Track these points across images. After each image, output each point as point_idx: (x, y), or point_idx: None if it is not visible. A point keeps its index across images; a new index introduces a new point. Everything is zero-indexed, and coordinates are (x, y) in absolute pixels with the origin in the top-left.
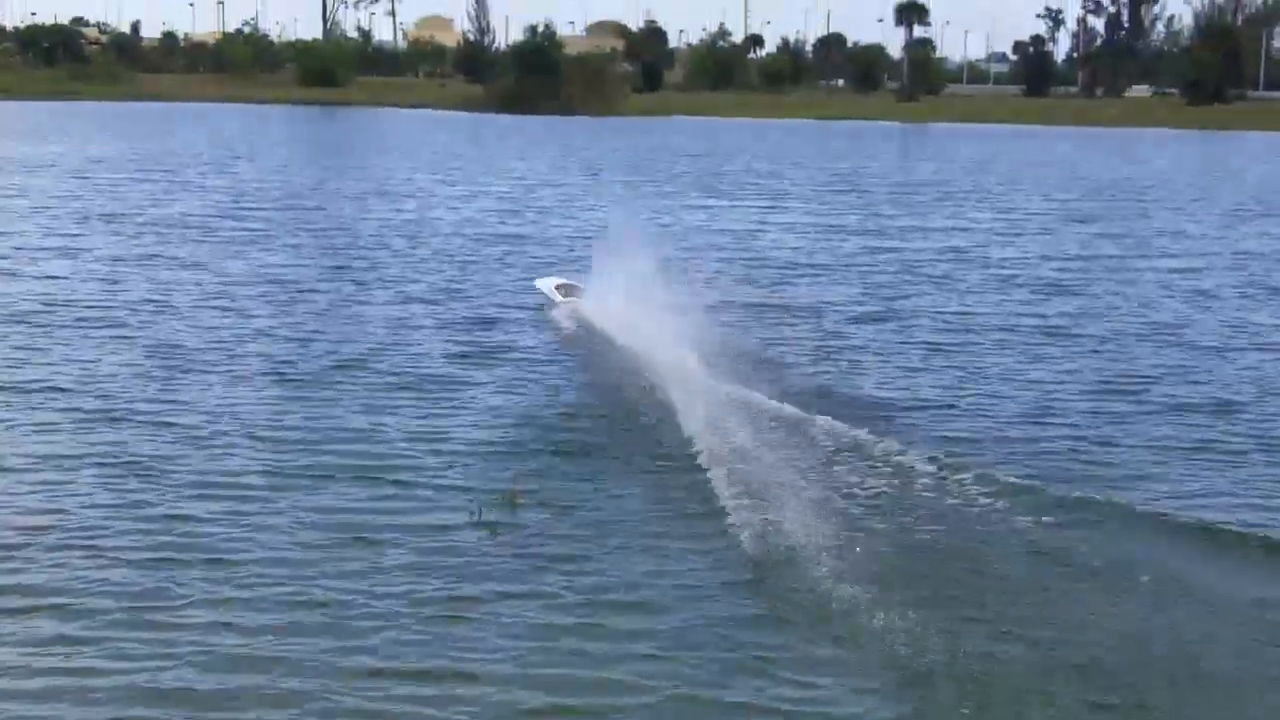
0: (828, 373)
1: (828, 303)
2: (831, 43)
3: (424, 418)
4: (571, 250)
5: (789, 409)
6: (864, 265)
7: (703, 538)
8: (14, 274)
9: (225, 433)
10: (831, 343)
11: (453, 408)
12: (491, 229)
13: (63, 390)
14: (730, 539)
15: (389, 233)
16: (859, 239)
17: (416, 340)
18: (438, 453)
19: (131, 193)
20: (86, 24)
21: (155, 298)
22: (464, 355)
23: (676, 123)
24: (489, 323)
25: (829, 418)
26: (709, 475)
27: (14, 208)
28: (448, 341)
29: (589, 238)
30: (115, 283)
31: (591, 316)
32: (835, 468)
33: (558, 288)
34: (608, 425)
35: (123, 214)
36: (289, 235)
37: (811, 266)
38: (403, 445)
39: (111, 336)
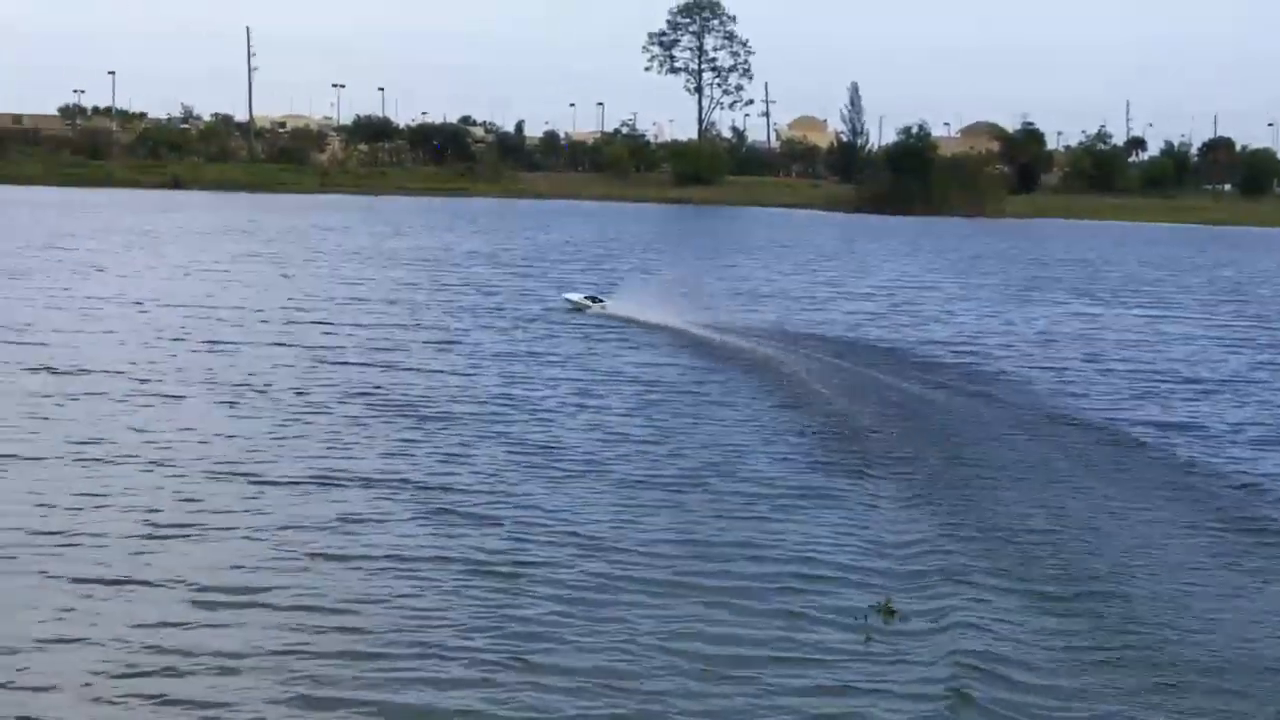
0: None
1: (1227, 423)
2: (1218, 146)
3: (792, 525)
4: (938, 355)
5: None
6: (1261, 381)
7: None
8: (392, 365)
9: (581, 537)
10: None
11: (819, 513)
12: (859, 331)
13: (417, 484)
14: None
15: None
16: (1251, 353)
17: (777, 451)
18: (806, 561)
19: (504, 285)
20: (474, 123)
21: (517, 393)
22: (827, 465)
23: (1053, 225)
24: (854, 434)
25: None
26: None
27: (400, 298)
28: (806, 453)
29: (965, 342)
30: (483, 376)
31: None
32: None
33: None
34: (985, 542)
35: (492, 308)
36: (651, 338)
37: (1197, 381)
38: (771, 553)
39: (477, 434)
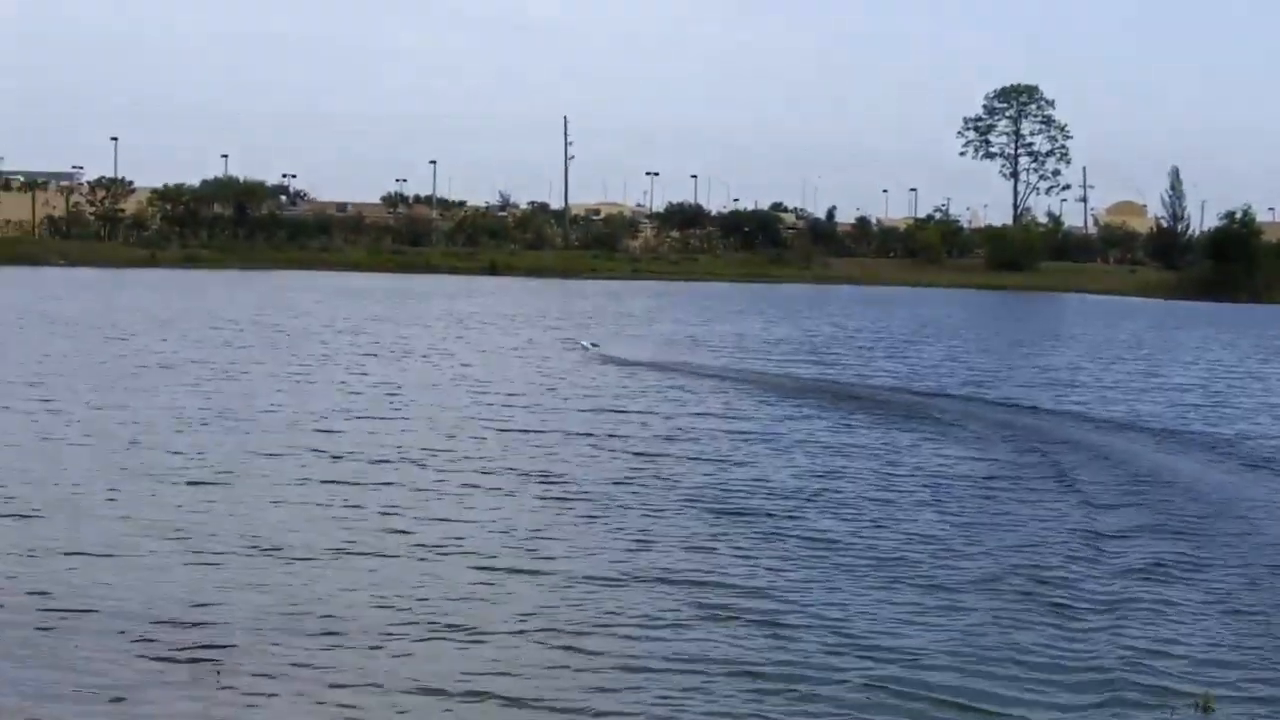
0: None
1: None
2: None
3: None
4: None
5: None
6: None
7: None
8: (695, 456)
9: (863, 645)
10: None
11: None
12: (1170, 423)
13: (704, 583)
14: None
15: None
16: None
17: (1106, 556)
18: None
19: (803, 371)
20: (784, 209)
21: (814, 484)
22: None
23: None
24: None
25: None
26: None
27: (694, 386)
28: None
29: None
30: (781, 466)
31: None
32: None
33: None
34: None
35: (803, 391)
36: (958, 426)
37: None
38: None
39: (765, 531)
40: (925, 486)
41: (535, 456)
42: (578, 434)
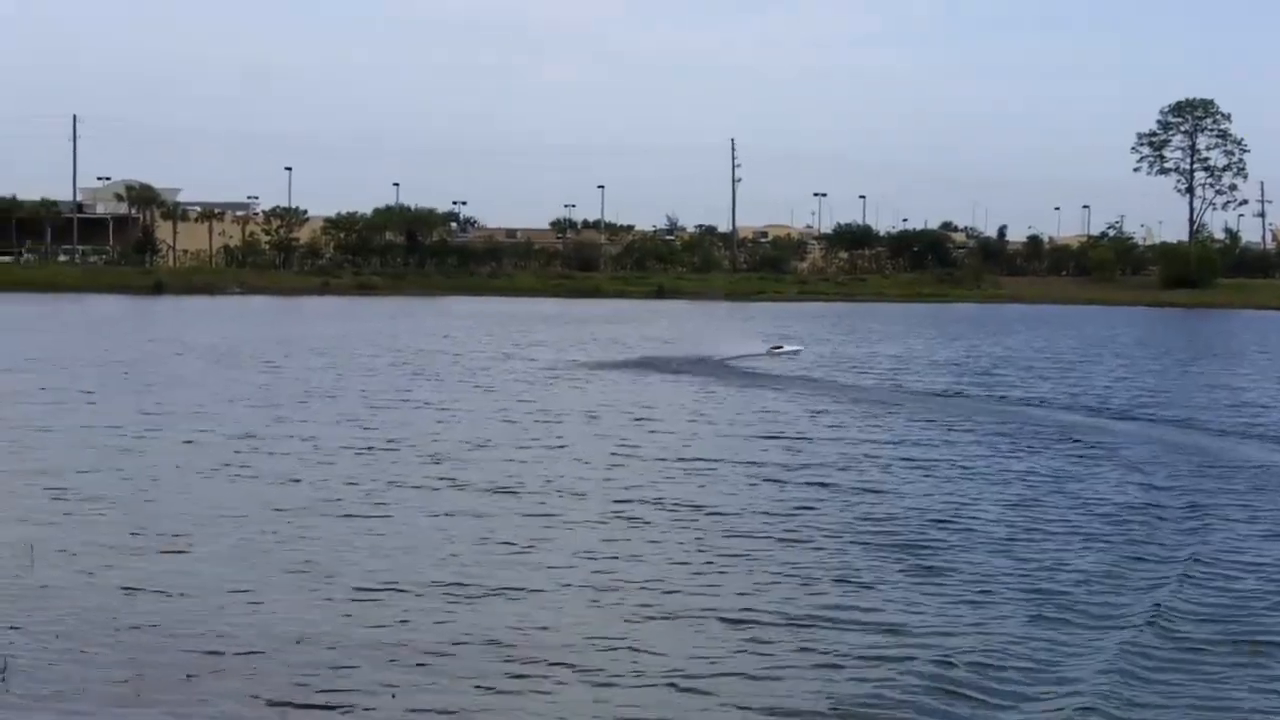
0: None
1: None
2: None
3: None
4: None
5: None
6: None
7: None
8: (837, 485)
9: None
10: None
11: None
12: None
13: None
14: None
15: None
16: None
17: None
18: None
19: (973, 393)
20: (955, 229)
21: (950, 514)
22: None
23: None
24: None
25: None
26: None
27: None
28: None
29: None
30: (924, 483)
31: None
32: None
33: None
34: None
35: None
36: (1109, 459)
37: None
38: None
39: (908, 562)
40: (1075, 510)
41: (689, 486)
42: (739, 463)
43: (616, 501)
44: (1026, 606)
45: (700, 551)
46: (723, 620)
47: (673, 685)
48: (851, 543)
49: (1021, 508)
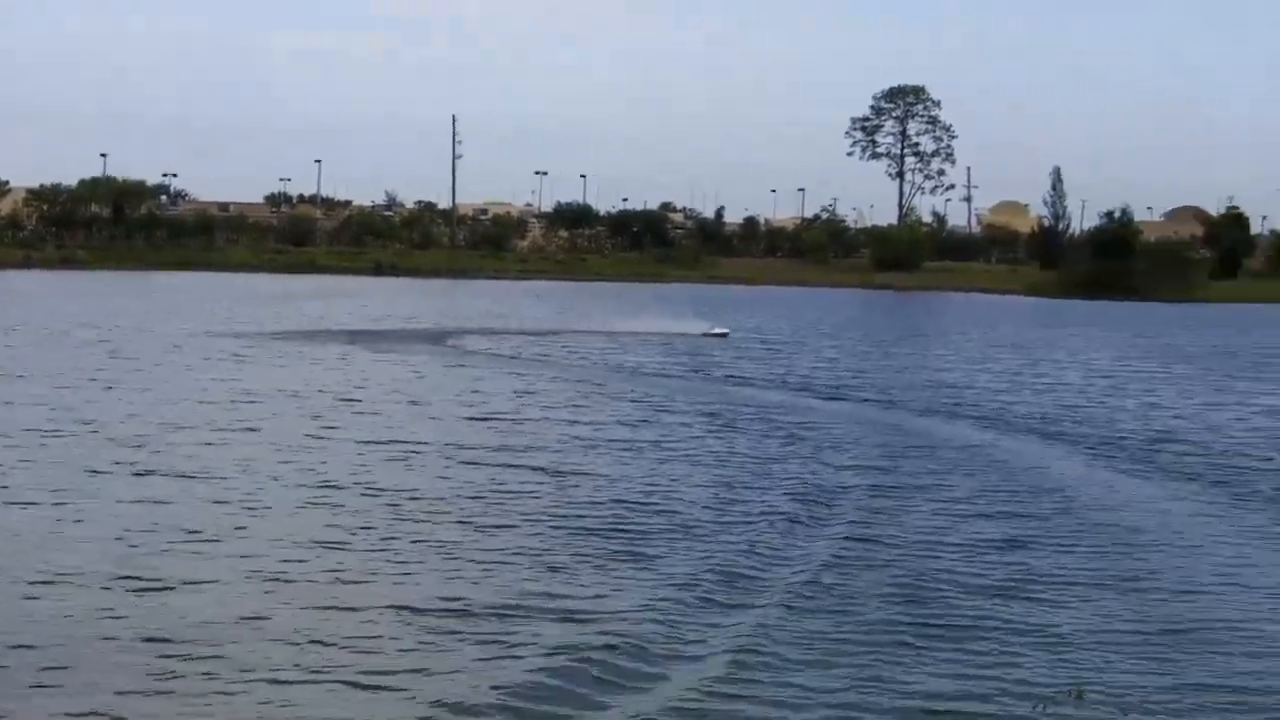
0: None
1: None
2: None
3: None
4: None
5: None
6: None
7: None
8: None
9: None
10: None
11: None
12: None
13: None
14: None
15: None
16: None
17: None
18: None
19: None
20: (673, 210)
21: (648, 496)
22: None
23: (1255, 310)
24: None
25: None
26: None
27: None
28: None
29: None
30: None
31: None
32: None
33: None
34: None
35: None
36: (811, 440)
37: None
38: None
39: (602, 547)
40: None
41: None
42: (445, 445)
43: (312, 487)
44: (705, 588)
45: (394, 539)
46: (407, 610)
47: (343, 682)
48: (551, 528)
49: (719, 489)
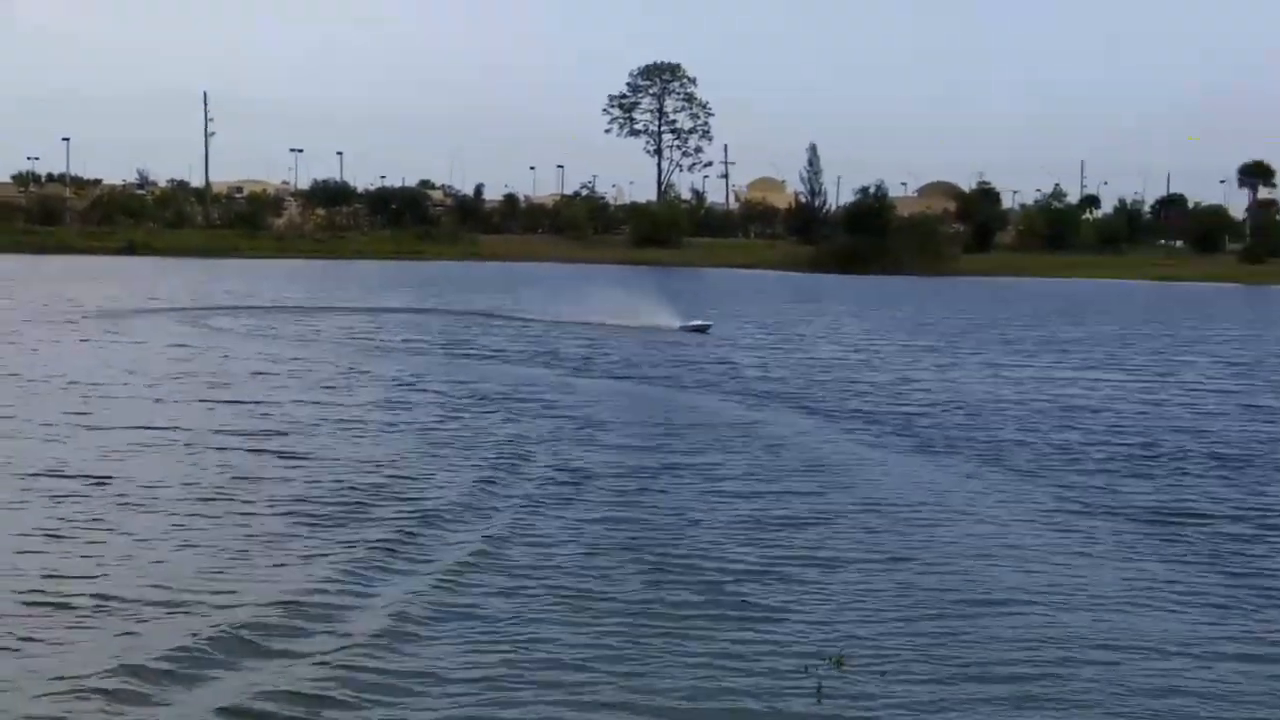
0: None
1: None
2: (1171, 203)
3: None
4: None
5: None
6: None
7: None
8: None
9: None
10: None
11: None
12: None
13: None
14: None
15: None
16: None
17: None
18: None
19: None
20: (433, 187)
21: (383, 478)
22: None
23: (1006, 283)
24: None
25: None
26: None
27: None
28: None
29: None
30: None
31: None
32: None
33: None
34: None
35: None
36: (563, 417)
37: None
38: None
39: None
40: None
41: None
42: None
43: (24, 475)
44: (439, 575)
45: (85, 528)
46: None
47: None
48: (276, 514)
49: (465, 470)
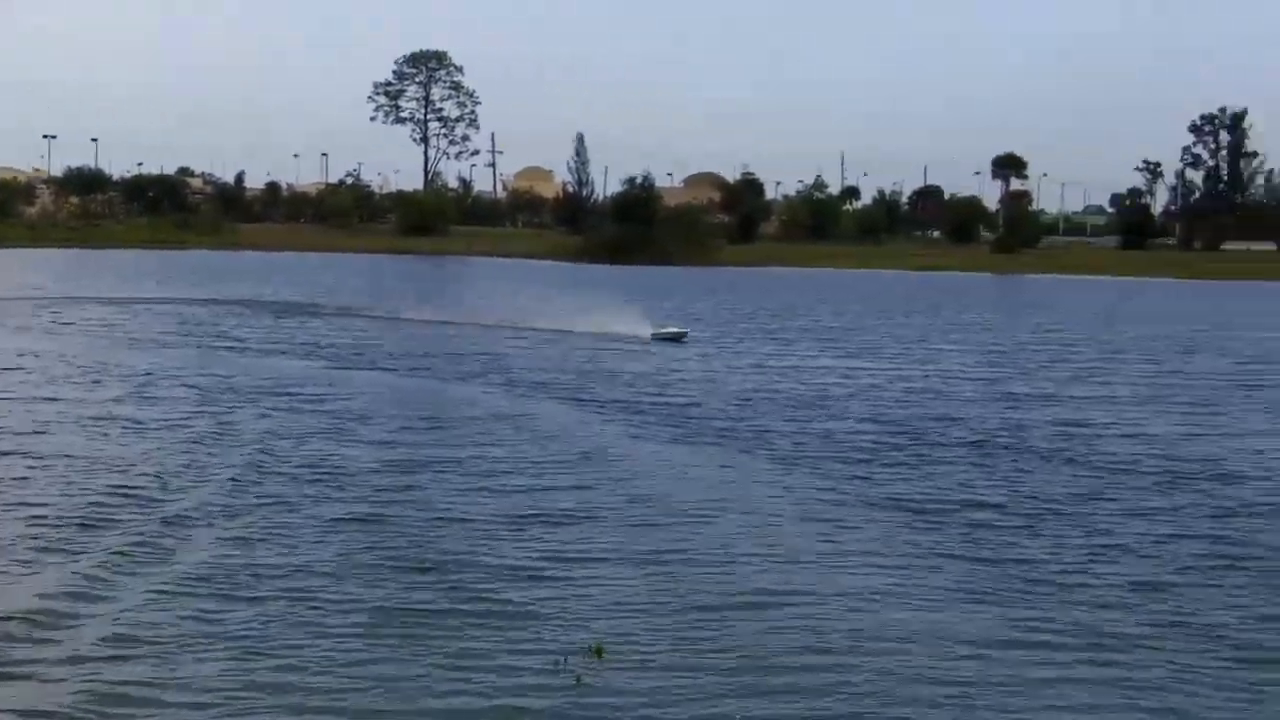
0: None
1: None
2: (928, 194)
3: None
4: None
5: None
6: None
7: None
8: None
9: None
10: None
11: None
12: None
13: None
14: None
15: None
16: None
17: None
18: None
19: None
20: (192, 174)
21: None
22: None
23: (769, 273)
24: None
25: None
26: None
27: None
28: None
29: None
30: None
31: None
32: None
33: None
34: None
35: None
36: (326, 412)
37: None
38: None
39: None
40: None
41: None
42: None
43: None
44: (176, 585)
45: None
46: None
47: None
48: (10, 519)
49: (211, 470)
